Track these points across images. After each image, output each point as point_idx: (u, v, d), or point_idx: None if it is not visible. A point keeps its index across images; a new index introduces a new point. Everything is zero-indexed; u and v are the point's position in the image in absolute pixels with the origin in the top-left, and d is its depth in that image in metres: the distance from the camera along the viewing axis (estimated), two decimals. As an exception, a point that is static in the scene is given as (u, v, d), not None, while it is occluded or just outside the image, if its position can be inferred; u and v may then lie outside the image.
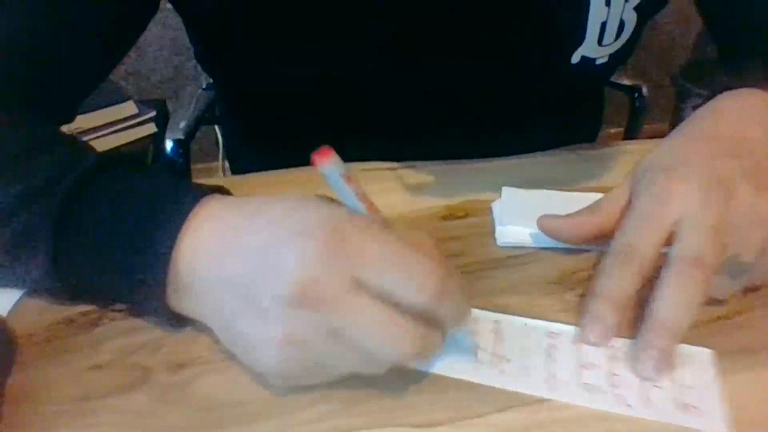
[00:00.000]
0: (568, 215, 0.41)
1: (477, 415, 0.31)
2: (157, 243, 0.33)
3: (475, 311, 0.37)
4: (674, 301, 0.33)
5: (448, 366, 0.33)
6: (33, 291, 0.38)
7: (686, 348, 0.34)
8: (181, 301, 0.34)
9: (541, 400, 0.32)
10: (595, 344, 0.34)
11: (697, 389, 0.32)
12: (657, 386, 0.32)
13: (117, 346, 0.35)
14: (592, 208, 0.41)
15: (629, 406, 0.31)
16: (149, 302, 0.34)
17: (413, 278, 0.29)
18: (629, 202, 0.39)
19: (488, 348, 0.35)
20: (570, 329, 0.36)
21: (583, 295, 0.39)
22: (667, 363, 0.33)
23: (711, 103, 0.44)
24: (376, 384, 0.32)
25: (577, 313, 0.37)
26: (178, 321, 0.35)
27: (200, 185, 0.36)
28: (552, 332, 0.36)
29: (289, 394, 0.32)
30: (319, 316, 0.28)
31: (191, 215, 0.33)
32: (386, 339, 0.29)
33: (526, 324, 0.36)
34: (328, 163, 0.30)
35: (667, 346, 0.33)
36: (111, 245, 0.34)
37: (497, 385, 0.32)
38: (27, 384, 0.33)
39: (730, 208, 0.35)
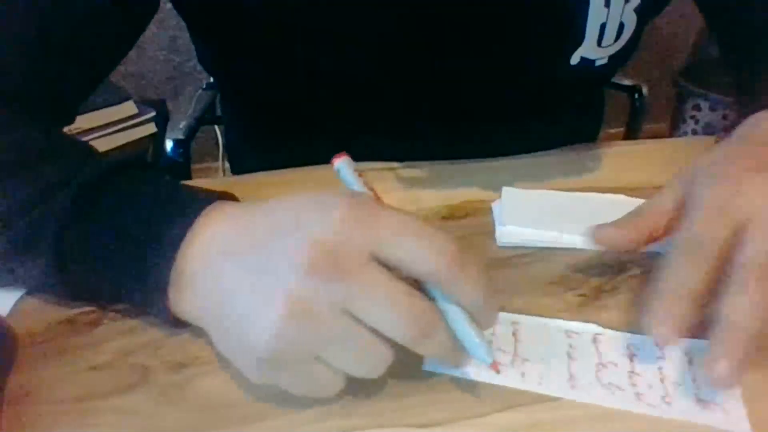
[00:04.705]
0: (618, 221, 0.39)
1: (477, 415, 0.31)
2: (164, 244, 0.33)
3: None
4: (749, 305, 0.32)
5: (469, 370, 0.33)
6: (33, 291, 0.38)
7: (705, 345, 0.34)
8: (182, 302, 0.34)
9: (540, 401, 0.32)
10: (663, 344, 0.33)
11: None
12: (677, 384, 0.32)
13: (117, 346, 0.35)
14: (642, 210, 0.39)
15: (650, 405, 0.31)
16: (152, 304, 0.34)
17: (432, 247, 0.29)
18: (682, 201, 0.38)
19: (509, 350, 0.34)
20: (588, 328, 0.36)
21: (583, 295, 0.39)
22: (741, 369, 0.31)
23: (753, 121, 0.43)
24: (376, 384, 0.32)
25: (577, 313, 0.37)
26: (179, 322, 0.35)
27: (209, 191, 0.36)
28: (571, 332, 0.36)
29: (288, 395, 0.32)
30: (332, 287, 0.28)
31: (200, 217, 0.33)
32: (397, 314, 0.28)
33: (545, 325, 0.36)
34: (342, 159, 0.33)
35: (742, 351, 0.31)
36: (116, 249, 0.34)
37: (519, 387, 0.32)
38: (27, 384, 0.33)
39: None
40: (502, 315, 0.36)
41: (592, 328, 0.36)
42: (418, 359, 0.34)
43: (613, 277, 0.40)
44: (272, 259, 0.29)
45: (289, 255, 0.28)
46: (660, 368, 0.33)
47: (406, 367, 0.33)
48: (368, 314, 0.28)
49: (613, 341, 0.35)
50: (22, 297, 0.38)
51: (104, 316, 0.37)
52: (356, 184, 0.34)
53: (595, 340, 0.35)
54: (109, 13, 0.46)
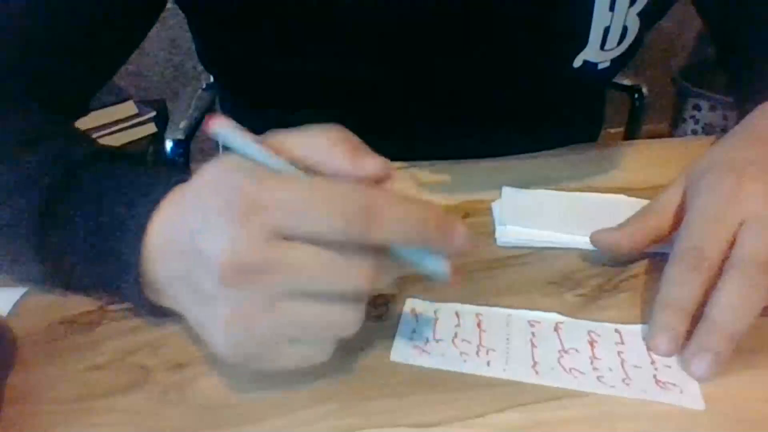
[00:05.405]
0: (621, 225, 0.40)
1: (477, 415, 0.31)
2: (128, 241, 0.32)
3: (458, 306, 0.37)
4: (733, 304, 0.32)
5: (436, 360, 0.34)
6: (28, 285, 0.38)
7: None
8: (159, 297, 0.34)
9: (540, 400, 0.32)
10: (665, 355, 0.34)
11: (674, 368, 0.33)
12: (636, 366, 0.33)
13: (117, 346, 0.35)
14: (645, 213, 0.41)
15: (612, 387, 0.32)
16: (130, 297, 0.34)
17: (328, 207, 0.26)
18: (683, 203, 0.39)
19: (474, 340, 0.35)
20: (550, 317, 0.37)
21: (583, 295, 0.39)
22: (721, 365, 0.32)
23: (758, 113, 0.44)
24: (374, 384, 0.32)
25: (577, 313, 0.37)
26: (163, 314, 0.34)
27: (178, 176, 0.35)
28: (533, 321, 0.36)
29: (288, 395, 0.32)
30: (257, 287, 0.27)
31: (159, 206, 0.32)
32: (333, 275, 0.27)
33: (509, 315, 0.37)
34: (219, 122, 0.28)
35: (723, 349, 0.32)
36: (91, 241, 0.34)
37: (484, 374, 0.33)
38: (27, 384, 0.33)
39: None
40: (466, 307, 0.37)
41: (554, 316, 0.37)
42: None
43: (613, 277, 0.40)
44: (200, 281, 0.28)
45: (209, 276, 0.28)
46: (620, 353, 0.34)
47: (404, 368, 0.33)
48: (305, 289, 0.28)
49: (575, 329, 0.36)
50: (22, 297, 0.38)
51: (104, 316, 0.37)
52: (252, 150, 0.29)
53: (557, 328, 0.36)
54: (120, 6, 0.46)
